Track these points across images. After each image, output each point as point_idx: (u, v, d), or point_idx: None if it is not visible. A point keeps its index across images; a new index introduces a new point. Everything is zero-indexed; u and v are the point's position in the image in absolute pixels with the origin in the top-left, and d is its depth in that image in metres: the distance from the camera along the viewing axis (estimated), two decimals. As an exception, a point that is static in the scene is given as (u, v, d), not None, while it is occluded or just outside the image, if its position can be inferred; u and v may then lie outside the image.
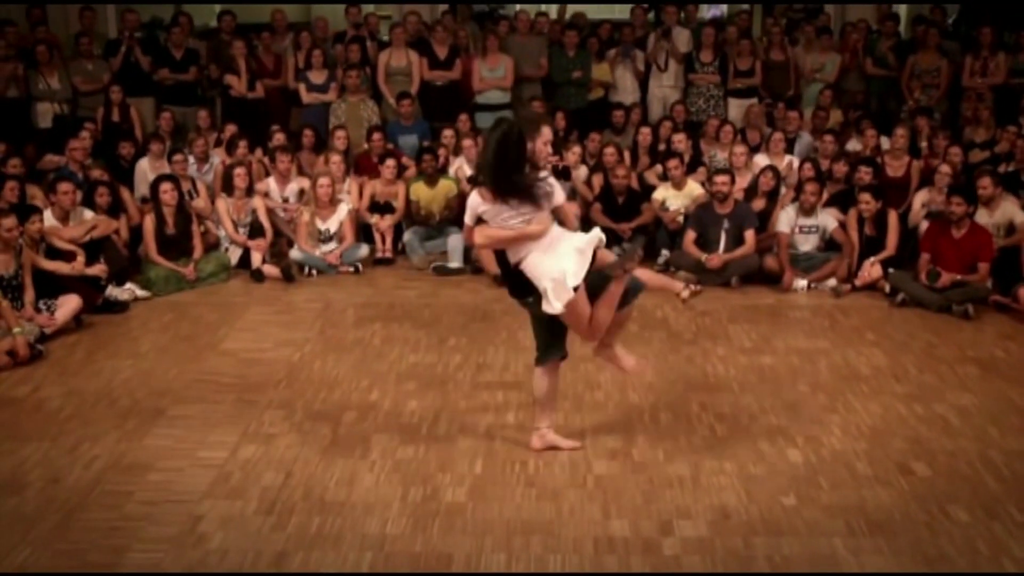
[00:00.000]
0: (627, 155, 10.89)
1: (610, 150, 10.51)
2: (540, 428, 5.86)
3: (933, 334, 8.05)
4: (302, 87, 11.79)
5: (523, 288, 5.42)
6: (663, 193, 10.20)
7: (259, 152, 11.04)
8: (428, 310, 8.67)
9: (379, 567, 4.76)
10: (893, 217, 9.37)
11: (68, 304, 8.02)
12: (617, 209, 10.18)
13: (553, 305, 5.22)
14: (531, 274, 5.30)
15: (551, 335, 5.67)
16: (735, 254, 9.31)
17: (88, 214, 9.06)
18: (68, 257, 8.51)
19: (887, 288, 8.99)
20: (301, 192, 10.35)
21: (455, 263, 9.80)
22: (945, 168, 9.67)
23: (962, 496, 5.40)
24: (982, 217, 9.01)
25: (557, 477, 5.61)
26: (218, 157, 10.83)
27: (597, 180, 10.51)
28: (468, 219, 5.38)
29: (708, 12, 18.93)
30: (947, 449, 5.98)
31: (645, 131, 11.19)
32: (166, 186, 9.39)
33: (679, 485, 5.47)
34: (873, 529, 5.07)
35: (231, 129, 11.09)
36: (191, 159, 10.58)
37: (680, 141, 10.80)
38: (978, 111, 11.13)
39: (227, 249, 9.91)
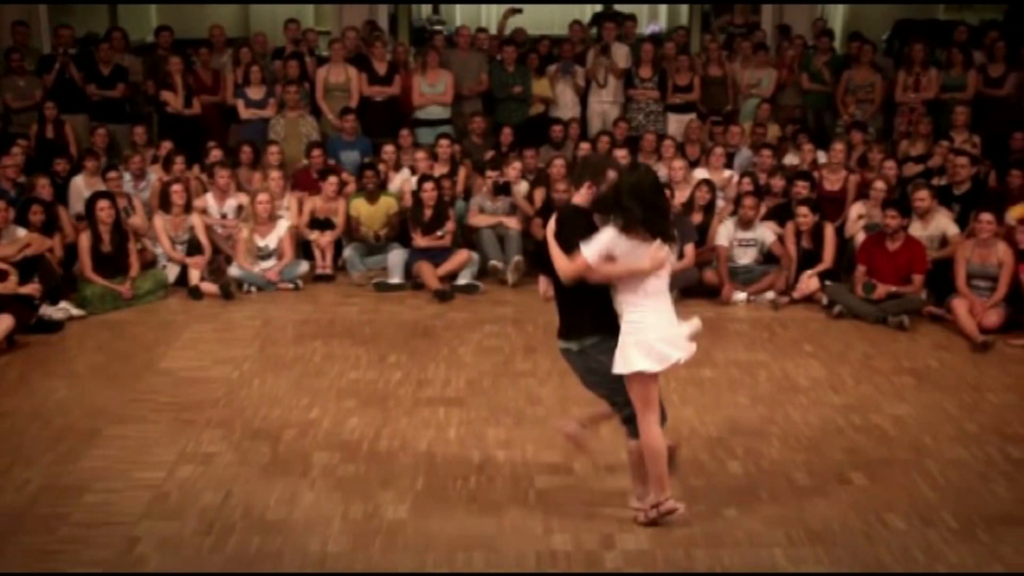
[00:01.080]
0: (557, 167, 10.81)
1: (559, 163, 10.48)
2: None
3: (869, 345, 8.16)
4: (240, 103, 11.70)
5: (578, 330, 5.14)
6: (604, 208, 10.21)
7: (196, 169, 10.93)
8: (369, 326, 8.63)
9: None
10: (829, 230, 9.50)
11: (0, 324, 7.87)
12: (558, 224, 10.19)
13: (627, 363, 4.92)
14: (636, 322, 4.96)
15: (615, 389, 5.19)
16: (675, 268, 9.33)
17: (21, 232, 8.89)
18: (0, 276, 8.35)
19: (824, 300, 9.10)
20: (240, 208, 10.26)
21: (396, 279, 9.76)
22: (880, 183, 9.81)
23: (899, 504, 5.48)
24: (916, 230, 9.16)
25: (499, 492, 5.60)
26: (155, 174, 10.70)
27: (539, 194, 10.52)
28: (595, 256, 4.89)
29: (647, 28, 19.15)
30: (884, 458, 6.06)
31: (584, 146, 11.23)
32: (102, 203, 9.25)
33: (620, 498, 5.46)
34: (812, 539, 5.12)
35: (167, 146, 10.96)
36: (127, 176, 10.45)
37: (623, 157, 10.85)
38: (916, 125, 11.31)
39: (164, 267, 9.79)
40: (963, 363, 7.82)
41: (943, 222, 9.32)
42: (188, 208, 9.94)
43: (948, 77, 11.82)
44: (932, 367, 7.73)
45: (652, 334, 4.94)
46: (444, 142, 10.97)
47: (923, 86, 11.80)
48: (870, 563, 4.91)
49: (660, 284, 4.99)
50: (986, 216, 8.55)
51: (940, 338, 8.40)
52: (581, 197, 5.14)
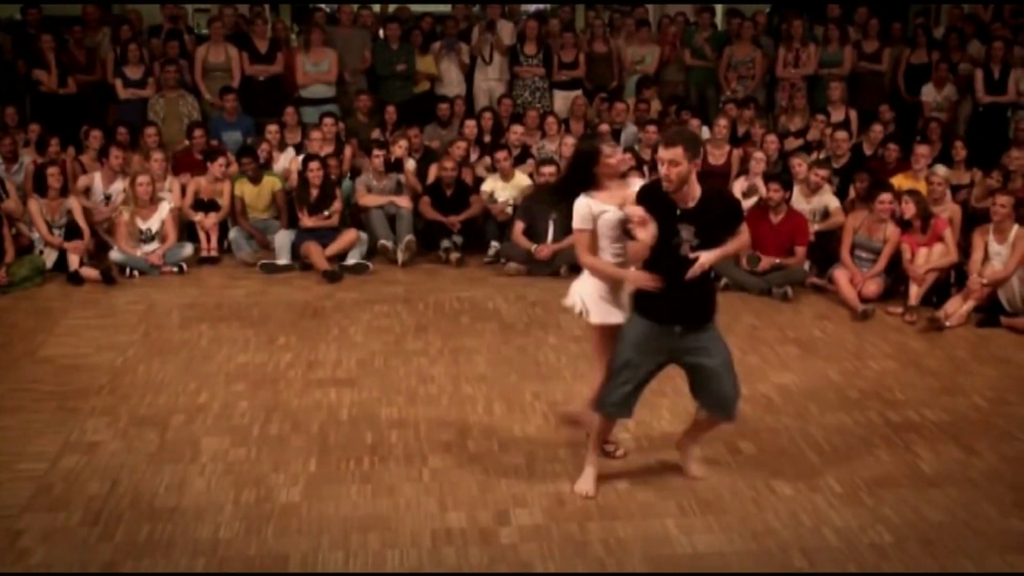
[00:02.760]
0: (458, 148, 10.82)
1: (462, 144, 10.57)
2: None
3: (755, 316, 8.32)
4: (119, 83, 11.40)
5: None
6: (491, 185, 10.25)
7: (72, 150, 10.61)
8: (257, 309, 8.50)
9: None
10: (714, 204, 9.63)
11: None
12: (446, 201, 10.18)
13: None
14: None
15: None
16: (563, 244, 9.37)
17: None
18: None
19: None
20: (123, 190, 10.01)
21: (283, 260, 9.63)
22: (760, 155, 10.01)
23: (785, 471, 5.61)
24: (799, 203, 9.37)
25: (392, 472, 5.58)
26: (28, 156, 10.36)
27: (434, 171, 10.48)
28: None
29: (531, 5, 19.14)
30: (770, 427, 6.20)
31: (470, 124, 11.22)
32: (-28, 188, 8.95)
33: (514, 474, 5.50)
34: (703, 508, 5.21)
35: (36, 128, 10.59)
36: (-3, 159, 10.13)
37: (516, 132, 10.86)
38: (794, 100, 11.55)
39: (41, 252, 9.49)
40: (845, 332, 8.04)
41: (825, 196, 9.54)
42: (65, 191, 9.66)
43: (826, 53, 12.08)
44: (815, 336, 7.92)
45: None
46: (329, 121, 10.84)
47: (802, 62, 12.04)
48: (759, 530, 5.01)
49: None
50: (885, 196, 8.76)
51: (822, 308, 8.62)
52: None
